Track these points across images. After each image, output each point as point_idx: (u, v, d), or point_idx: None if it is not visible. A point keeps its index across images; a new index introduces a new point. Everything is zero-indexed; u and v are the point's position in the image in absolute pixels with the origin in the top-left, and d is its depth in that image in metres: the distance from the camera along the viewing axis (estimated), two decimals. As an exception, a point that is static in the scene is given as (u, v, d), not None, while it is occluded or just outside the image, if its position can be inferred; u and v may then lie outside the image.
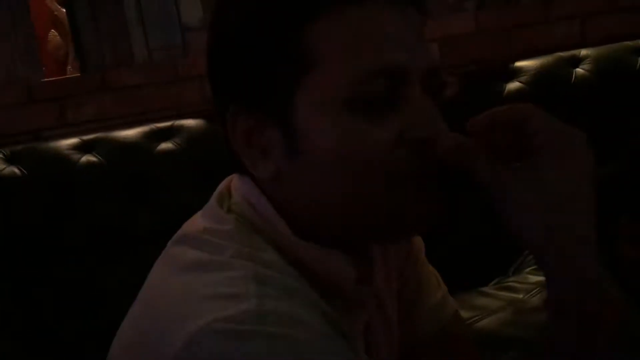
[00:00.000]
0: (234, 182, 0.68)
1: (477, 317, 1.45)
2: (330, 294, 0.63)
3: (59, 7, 1.73)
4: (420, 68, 0.62)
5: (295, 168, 0.62)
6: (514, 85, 1.79)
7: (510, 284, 1.58)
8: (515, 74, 1.81)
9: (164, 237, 0.67)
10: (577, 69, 1.83)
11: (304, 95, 0.61)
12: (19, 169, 1.45)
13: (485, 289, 1.58)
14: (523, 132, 0.57)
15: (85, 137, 1.52)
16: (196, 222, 0.66)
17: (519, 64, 1.81)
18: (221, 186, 0.69)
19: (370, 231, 0.64)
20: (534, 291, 1.51)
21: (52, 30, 1.74)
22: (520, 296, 1.51)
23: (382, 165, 0.60)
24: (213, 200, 0.68)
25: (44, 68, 1.68)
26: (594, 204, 0.54)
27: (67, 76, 1.71)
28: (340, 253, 0.64)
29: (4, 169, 1.44)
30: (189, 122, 1.58)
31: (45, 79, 1.66)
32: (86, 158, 1.49)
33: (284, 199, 0.63)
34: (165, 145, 1.55)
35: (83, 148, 1.50)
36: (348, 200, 0.61)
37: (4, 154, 1.47)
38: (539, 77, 1.80)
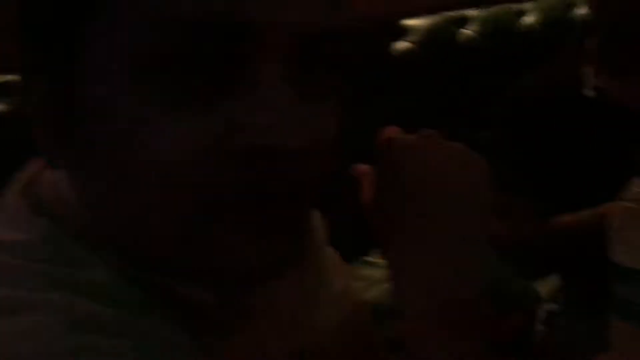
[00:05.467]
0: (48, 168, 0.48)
1: (362, 289, 1.41)
2: (195, 315, 0.47)
3: None
4: (286, 27, 0.39)
5: (71, 162, 0.43)
6: (403, 45, 1.72)
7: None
8: (404, 33, 1.73)
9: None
10: (464, 30, 1.81)
11: (89, 54, 0.40)
12: None
13: (369, 258, 1.56)
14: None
15: None
16: None
17: (408, 22, 1.74)
18: (26, 171, 0.48)
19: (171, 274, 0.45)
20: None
21: None
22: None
23: (187, 179, 0.39)
24: (9, 194, 0.47)
25: None
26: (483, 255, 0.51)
27: None
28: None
29: None
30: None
31: None
32: None
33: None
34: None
35: None
36: (133, 225, 0.42)
37: None
38: (428, 38, 1.74)
